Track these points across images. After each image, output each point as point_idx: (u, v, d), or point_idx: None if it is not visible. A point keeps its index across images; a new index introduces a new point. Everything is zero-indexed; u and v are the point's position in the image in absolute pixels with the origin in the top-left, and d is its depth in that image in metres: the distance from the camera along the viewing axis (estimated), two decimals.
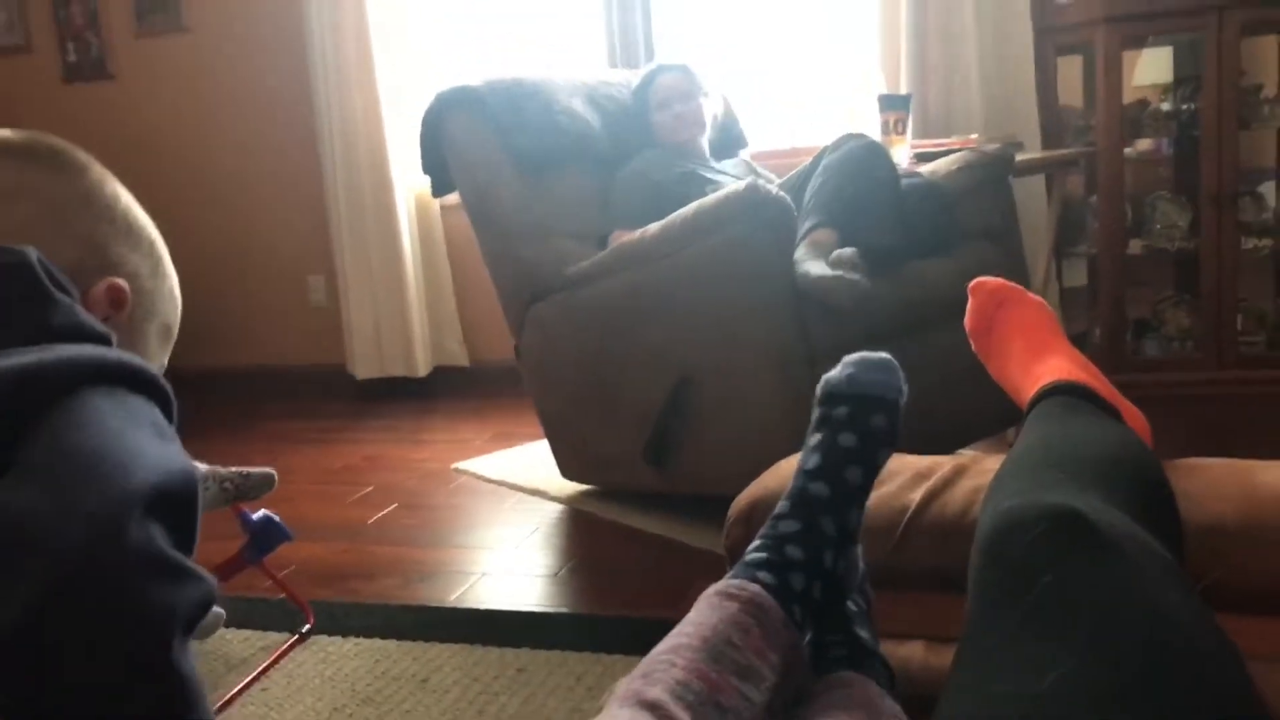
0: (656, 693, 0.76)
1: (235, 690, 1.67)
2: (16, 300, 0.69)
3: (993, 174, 2.31)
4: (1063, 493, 0.74)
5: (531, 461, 2.80)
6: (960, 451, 1.25)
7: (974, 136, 2.78)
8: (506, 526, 2.38)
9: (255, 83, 3.92)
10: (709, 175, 2.49)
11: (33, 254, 0.71)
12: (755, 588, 0.89)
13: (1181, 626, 0.64)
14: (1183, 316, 3.11)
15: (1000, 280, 1.26)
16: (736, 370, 2.02)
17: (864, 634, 1.00)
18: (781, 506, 0.97)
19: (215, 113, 3.99)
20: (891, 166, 2.20)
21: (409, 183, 3.72)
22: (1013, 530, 0.72)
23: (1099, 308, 3.07)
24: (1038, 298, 1.26)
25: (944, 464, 1.17)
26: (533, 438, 3.00)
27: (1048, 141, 3.06)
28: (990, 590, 0.71)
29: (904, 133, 2.79)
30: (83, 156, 0.85)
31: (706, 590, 0.91)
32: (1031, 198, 3.02)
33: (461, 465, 2.86)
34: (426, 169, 2.60)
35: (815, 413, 1.04)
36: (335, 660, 1.77)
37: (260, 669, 1.74)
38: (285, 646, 1.82)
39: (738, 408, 2.04)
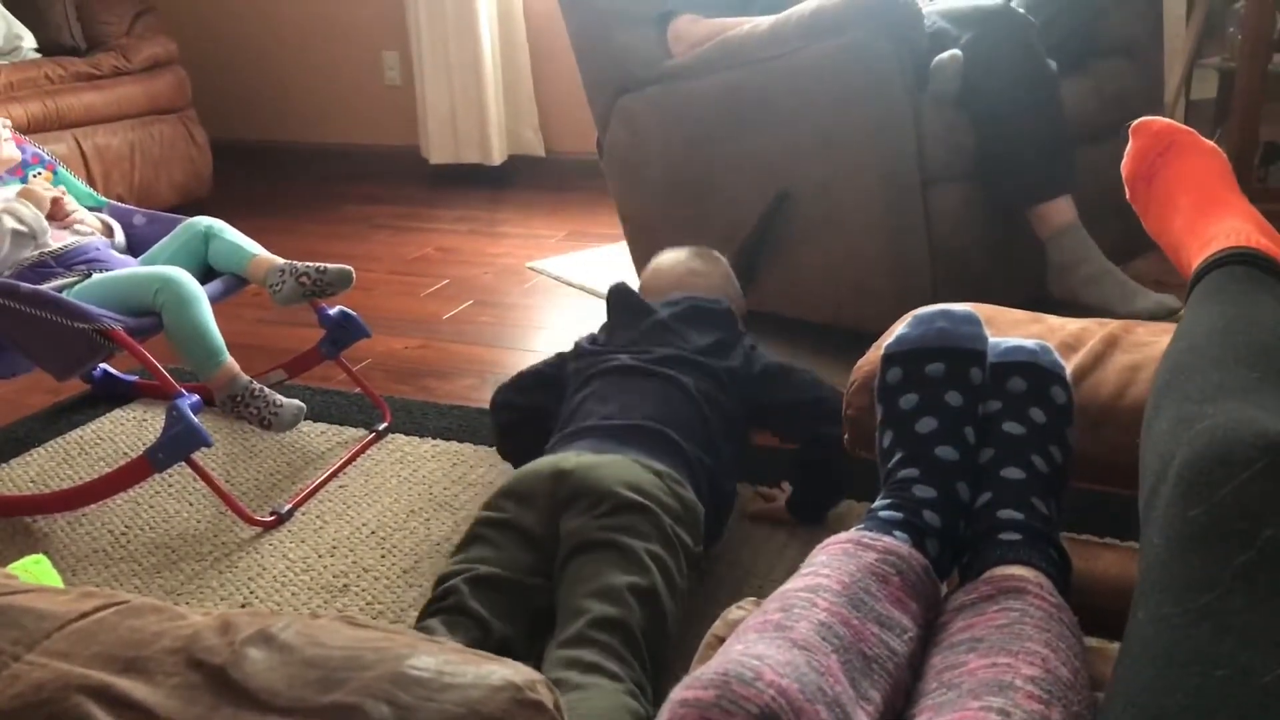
0: (804, 631, 0.68)
1: (314, 484, 1.68)
2: None
3: None
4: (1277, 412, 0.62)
5: (608, 265, 2.71)
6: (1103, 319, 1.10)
7: None
8: (582, 332, 2.32)
9: None
10: None
11: None
12: (890, 539, 0.81)
13: None
14: None
15: (1168, 122, 1.09)
16: (841, 188, 1.88)
17: (1041, 506, 0.86)
18: (909, 471, 0.89)
19: None
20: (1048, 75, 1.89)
21: None
22: (1223, 463, 0.61)
23: (1228, 125, 2.81)
24: (1211, 144, 1.08)
25: (1092, 332, 1.04)
26: (608, 239, 2.91)
27: None
28: (1192, 534, 0.60)
29: None
30: None
31: (832, 539, 0.83)
32: (1169, 2, 2.73)
33: (536, 264, 2.78)
34: None
35: (893, 371, 0.95)
36: (412, 461, 1.76)
37: (339, 464, 1.74)
38: (363, 444, 1.81)
39: (837, 229, 1.91)
